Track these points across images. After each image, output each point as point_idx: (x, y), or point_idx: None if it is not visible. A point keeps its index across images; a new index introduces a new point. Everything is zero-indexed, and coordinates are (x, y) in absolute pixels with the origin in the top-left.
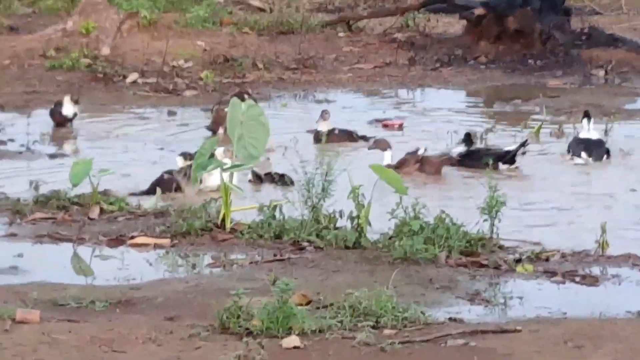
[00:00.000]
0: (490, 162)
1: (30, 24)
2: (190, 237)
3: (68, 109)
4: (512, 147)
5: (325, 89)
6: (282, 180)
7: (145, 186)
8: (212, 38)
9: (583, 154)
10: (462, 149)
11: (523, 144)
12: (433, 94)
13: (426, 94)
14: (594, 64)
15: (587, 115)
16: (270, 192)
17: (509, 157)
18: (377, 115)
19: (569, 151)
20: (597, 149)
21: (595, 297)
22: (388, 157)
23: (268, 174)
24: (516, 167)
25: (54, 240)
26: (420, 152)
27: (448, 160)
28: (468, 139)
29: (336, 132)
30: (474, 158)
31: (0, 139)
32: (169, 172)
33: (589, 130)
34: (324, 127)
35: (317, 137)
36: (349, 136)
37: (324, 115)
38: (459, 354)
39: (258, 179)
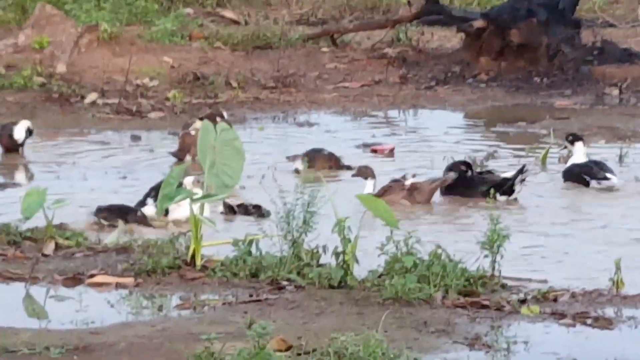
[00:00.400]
0: (487, 191)
1: None
2: (157, 276)
3: (19, 132)
4: (508, 174)
5: (307, 110)
6: (258, 212)
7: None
8: (181, 54)
9: (610, 175)
10: (453, 175)
11: (521, 171)
12: (427, 115)
13: (420, 116)
14: (607, 81)
15: (579, 138)
16: (245, 226)
17: (507, 187)
18: (365, 140)
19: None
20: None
21: (609, 342)
22: (370, 186)
23: (241, 205)
24: (515, 198)
25: (4, 279)
26: (407, 180)
27: (441, 183)
28: (456, 166)
29: (325, 152)
30: (467, 186)
31: None
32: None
33: (584, 155)
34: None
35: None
36: (335, 162)
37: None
38: None
39: (231, 210)
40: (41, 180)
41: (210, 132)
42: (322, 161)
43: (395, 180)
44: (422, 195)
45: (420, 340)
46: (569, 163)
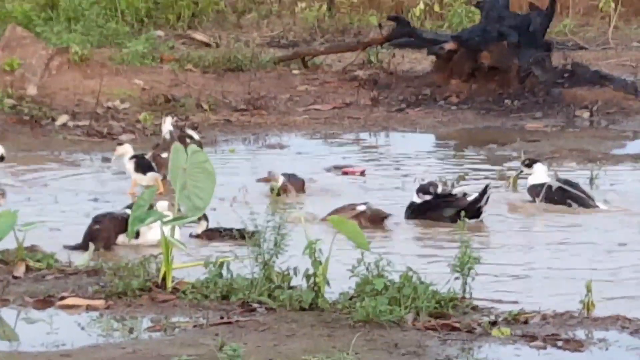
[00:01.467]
0: (452, 214)
1: None
2: (127, 298)
3: None
4: (471, 197)
5: (278, 132)
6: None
7: (76, 240)
8: (152, 76)
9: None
10: (418, 199)
11: (484, 192)
12: (398, 137)
13: (391, 138)
14: (578, 104)
15: (536, 160)
16: (216, 248)
17: (475, 210)
18: (336, 162)
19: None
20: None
21: None
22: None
23: (227, 229)
24: (481, 220)
25: None
26: (359, 209)
27: (387, 217)
28: (424, 189)
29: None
30: (434, 210)
31: None
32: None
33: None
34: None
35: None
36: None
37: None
38: None
39: (215, 233)
40: (12, 202)
41: (181, 154)
42: (296, 186)
43: (350, 205)
44: (371, 223)
45: None
46: (530, 183)
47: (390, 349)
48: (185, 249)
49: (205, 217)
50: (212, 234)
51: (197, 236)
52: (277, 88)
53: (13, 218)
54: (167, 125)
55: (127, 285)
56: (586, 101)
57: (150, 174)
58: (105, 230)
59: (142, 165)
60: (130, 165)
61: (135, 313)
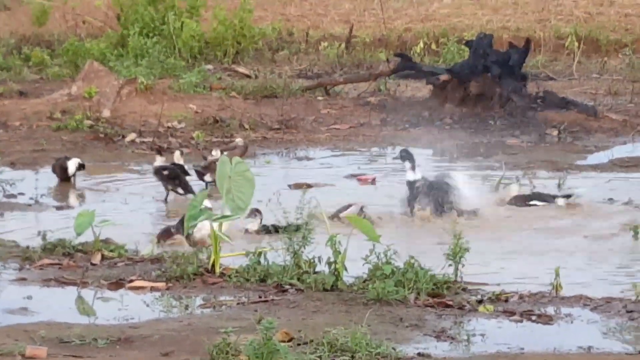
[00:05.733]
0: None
1: (38, 89)
2: (184, 281)
3: (72, 166)
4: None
5: (305, 147)
6: (277, 230)
7: (142, 235)
8: (203, 101)
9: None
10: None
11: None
12: None
13: (397, 152)
14: (549, 124)
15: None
16: (256, 241)
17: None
18: (352, 171)
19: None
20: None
21: (550, 335)
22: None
23: (265, 226)
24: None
25: (60, 283)
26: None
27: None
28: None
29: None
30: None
31: (11, 193)
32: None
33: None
34: (253, 225)
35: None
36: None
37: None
38: None
39: (266, 229)
40: (90, 203)
41: (227, 165)
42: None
43: (348, 205)
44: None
45: (397, 333)
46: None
47: (397, 322)
48: (230, 242)
49: (259, 212)
50: (260, 230)
51: (255, 231)
52: (305, 111)
53: (91, 216)
54: (176, 156)
55: (184, 271)
56: (555, 122)
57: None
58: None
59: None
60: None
61: (189, 293)
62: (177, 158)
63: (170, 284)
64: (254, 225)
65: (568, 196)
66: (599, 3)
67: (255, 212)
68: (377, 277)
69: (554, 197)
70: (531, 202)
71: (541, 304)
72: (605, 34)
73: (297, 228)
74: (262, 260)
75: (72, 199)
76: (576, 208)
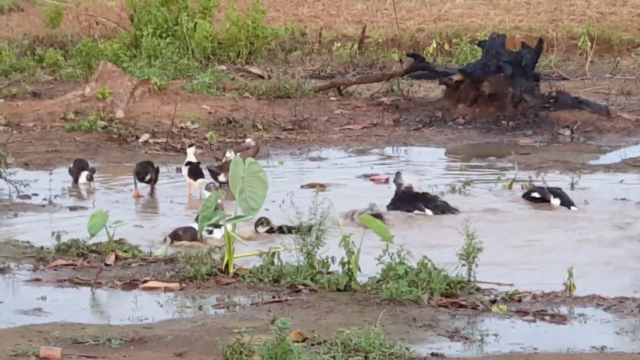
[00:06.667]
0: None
1: (52, 90)
2: (197, 281)
3: (82, 178)
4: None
5: (318, 147)
6: (290, 231)
7: (156, 235)
8: (216, 102)
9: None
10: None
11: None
12: (416, 151)
13: (409, 152)
14: (561, 124)
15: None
16: (269, 241)
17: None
18: (365, 171)
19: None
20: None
21: (563, 334)
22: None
23: (280, 227)
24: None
25: (74, 284)
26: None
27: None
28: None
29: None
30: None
31: (25, 194)
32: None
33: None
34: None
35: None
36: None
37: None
38: None
39: (270, 230)
40: (104, 204)
41: (240, 166)
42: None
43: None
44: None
45: (410, 333)
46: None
47: (410, 322)
48: (244, 242)
49: (267, 221)
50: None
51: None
52: (318, 112)
53: (105, 217)
54: (190, 153)
55: (197, 271)
56: (568, 122)
57: (199, 180)
58: None
59: (195, 172)
60: (185, 171)
61: (203, 293)
62: (191, 155)
63: (184, 285)
64: (262, 227)
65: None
66: (611, 3)
67: (263, 220)
68: (390, 278)
69: (553, 194)
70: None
71: (554, 303)
72: (618, 34)
73: (310, 228)
74: (275, 260)
75: (86, 200)
76: (588, 207)
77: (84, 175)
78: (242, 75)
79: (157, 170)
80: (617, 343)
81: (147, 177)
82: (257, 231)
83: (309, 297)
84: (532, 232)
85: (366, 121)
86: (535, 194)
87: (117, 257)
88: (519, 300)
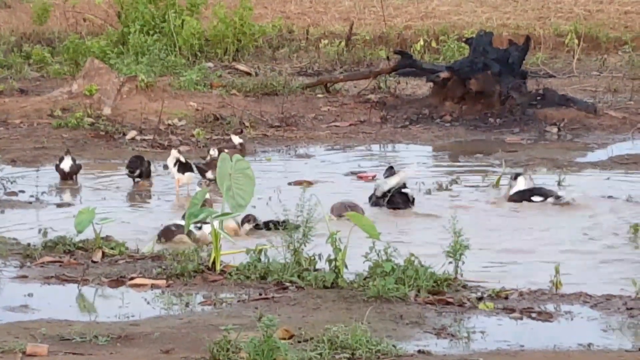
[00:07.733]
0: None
1: (39, 87)
2: (184, 278)
3: (66, 164)
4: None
5: (306, 144)
6: (279, 226)
7: (144, 232)
8: (203, 99)
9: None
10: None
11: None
12: (403, 148)
13: (397, 149)
14: (548, 121)
15: (520, 174)
16: (256, 238)
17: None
18: (352, 168)
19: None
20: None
21: (550, 332)
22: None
23: (266, 223)
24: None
25: (61, 281)
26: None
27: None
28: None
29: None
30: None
31: (11, 191)
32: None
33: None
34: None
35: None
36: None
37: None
38: None
39: (257, 226)
40: (90, 201)
41: (227, 162)
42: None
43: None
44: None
45: (397, 330)
46: (514, 190)
47: (397, 320)
48: (231, 239)
49: (253, 218)
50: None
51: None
52: (305, 109)
53: (92, 214)
54: (172, 156)
55: (184, 268)
56: (555, 119)
57: (187, 174)
58: None
59: (184, 166)
60: (170, 164)
61: (190, 290)
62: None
63: (170, 282)
64: (248, 225)
65: (558, 197)
66: (598, 0)
67: (250, 218)
68: (377, 275)
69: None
70: (533, 198)
71: (541, 301)
72: (605, 32)
73: (297, 227)
74: (262, 257)
75: (73, 197)
76: (575, 205)
77: (67, 165)
78: (229, 73)
79: (148, 164)
80: (604, 340)
81: (137, 172)
82: (244, 228)
83: (295, 294)
84: (519, 229)
85: (353, 118)
86: (537, 197)
87: (104, 254)
88: (506, 298)
